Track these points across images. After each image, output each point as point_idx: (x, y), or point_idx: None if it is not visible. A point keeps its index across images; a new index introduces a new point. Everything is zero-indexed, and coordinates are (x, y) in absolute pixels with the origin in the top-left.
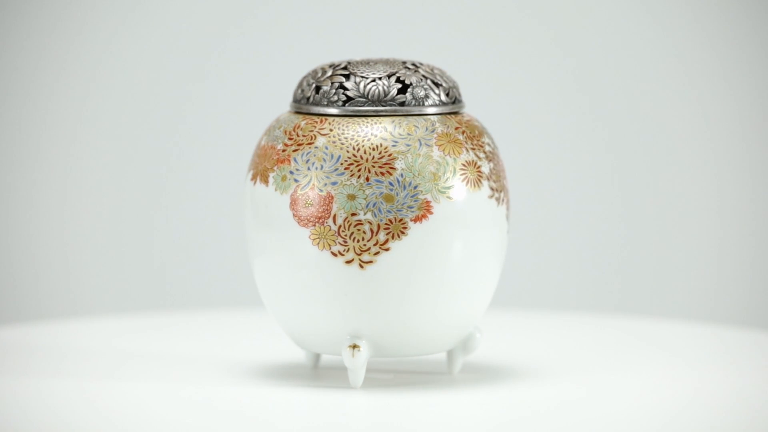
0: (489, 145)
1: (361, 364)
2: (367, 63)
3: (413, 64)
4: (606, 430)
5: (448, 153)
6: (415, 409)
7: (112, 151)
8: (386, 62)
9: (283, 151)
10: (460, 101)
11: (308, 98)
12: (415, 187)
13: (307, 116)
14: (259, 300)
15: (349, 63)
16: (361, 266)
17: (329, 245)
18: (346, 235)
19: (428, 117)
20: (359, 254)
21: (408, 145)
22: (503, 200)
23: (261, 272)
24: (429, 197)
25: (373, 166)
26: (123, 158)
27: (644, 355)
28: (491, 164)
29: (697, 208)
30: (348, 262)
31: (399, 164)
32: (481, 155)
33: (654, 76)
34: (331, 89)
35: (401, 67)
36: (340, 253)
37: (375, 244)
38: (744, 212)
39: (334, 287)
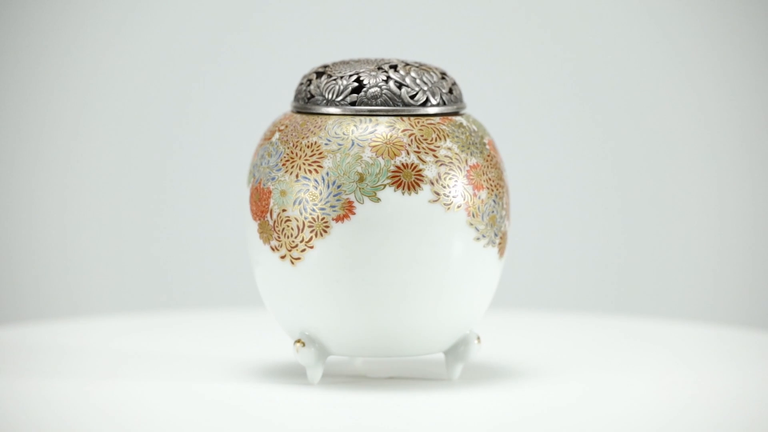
0: (449, 150)
1: (310, 360)
2: (348, 62)
3: (392, 66)
4: (606, 430)
5: (382, 155)
6: (414, 409)
7: (113, 151)
8: (366, 62)
9: (258, 146)
10: (439, 104)
11: (294, 95)
12: (339, 187)
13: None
14: (259, 299)
15: (336, 62)
16: (292, 262)
17: (269, 240)
18: (279, 231)
19: (374, 117)
20: (290, 250)
21: (340, 145)
22: (459, 206)
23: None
24: (352, 197)
25: (304, 164)
26: (123, 158)
27: (644, 355)
28: (442, 169)
29: (696, 209)
30: (282, 257)
31: (326, 163)
32: (428, 159)
33: (653, 78)
34: (301, 87)
35: (373, 67)
36: (276, 248)
37: (301, 241)
38: (744, 212)
39: (274, 282)
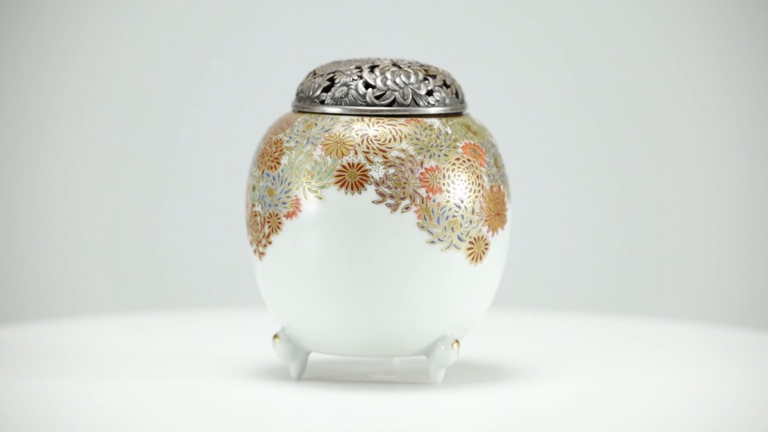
0: (402, 151)
1: (285, 355)
2: (338, 62)
3: (372, 66)
4: (606, 430)
5: (331, 153)
6: (413, 409)
7: (113, 151)
8: (355, 62)
9: None
10: (410, 105)
11: None
12: (289, 184)
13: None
14: (260, 299)
15: (335, 62)
16: (260, 257)
17: (248, 233)
18: (251, 225)
19: (336, 116)
20: (257, 245)
21: (297, 142)
22: (408, 208)
23: None
24: (300, 194)
25: (268, 160)
26: (124, 158)
27: (644, 355)
28: (390, 170)
29: (696, 209)
30: (254, 251)
31: (284, 159)
32: (377, 160)
33: (654, 78)
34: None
35: (352, 67)
36: (251, 242)
37: (263, 236)
38: (744, 212)
39: (256, 276)
